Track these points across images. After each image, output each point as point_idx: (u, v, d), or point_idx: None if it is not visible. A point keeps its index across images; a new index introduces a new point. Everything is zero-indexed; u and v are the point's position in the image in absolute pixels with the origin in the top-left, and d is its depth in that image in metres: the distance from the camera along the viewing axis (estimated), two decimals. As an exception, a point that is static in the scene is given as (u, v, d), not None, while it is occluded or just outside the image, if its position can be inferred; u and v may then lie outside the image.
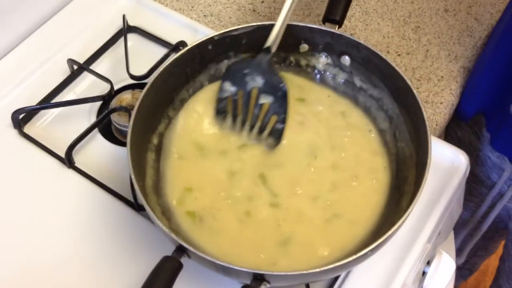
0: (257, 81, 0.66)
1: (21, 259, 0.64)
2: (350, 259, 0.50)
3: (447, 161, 0.70)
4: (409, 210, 0.52)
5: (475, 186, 0.91)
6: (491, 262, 1.57)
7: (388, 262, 0.64)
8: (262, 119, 0.65)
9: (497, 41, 0.77)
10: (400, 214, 0.56)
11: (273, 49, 0.65)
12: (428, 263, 0.70)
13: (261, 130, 0.65)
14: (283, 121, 0.65)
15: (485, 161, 0.85)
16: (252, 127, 0.65)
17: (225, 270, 0.51)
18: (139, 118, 0.60)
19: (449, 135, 0.93)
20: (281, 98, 0.65)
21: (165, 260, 0.51)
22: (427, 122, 0.58)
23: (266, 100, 0.66)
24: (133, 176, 0.55)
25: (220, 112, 0.66)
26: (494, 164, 0.84)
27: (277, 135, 0.65)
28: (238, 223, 0.60)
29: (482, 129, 0.83)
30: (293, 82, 0.69)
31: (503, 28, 0.76)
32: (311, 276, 0.50)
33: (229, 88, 0.66)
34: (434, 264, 0.69)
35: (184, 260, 0.52)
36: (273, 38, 0.64)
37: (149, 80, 0.62)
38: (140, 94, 0.61)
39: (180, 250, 0.52)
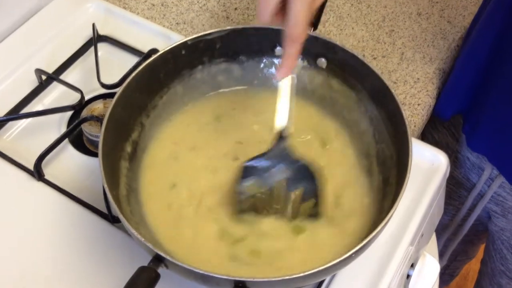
0: (283, 171, 0.58)
1: (-11, 276, 0.61)
2: (335, 262, 0.48)
3: (426, 162, 0.70)
4: (392, 210, 0.51)
5: (454, 189, 0.91)
6: (472, 267, 1.58)
7: (372, 266, 0.62)
8: (297, 206, 0.59)
9: (471, 44, 0.77)
10: (382, 215, 0.55)
11: (290, 131, 0.58)
12: (412, 265, 0.69)
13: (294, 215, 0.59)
14: (316, 198, 0.58)
15: (464, 163, 0.85)
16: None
17: (205, 279, 0.49)
18: (111, 125, 0.58)
19: (426, 138, 0.93)
20: (311, 180, 0.58)
21: (141, 270, 0.48)
22: (406, 121, 0.57)
23: (296, 186, 0.59)
24: (106, 186, 0.53)
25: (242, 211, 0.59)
26: (473, 165, 0.84)
27: (315, 213, 0.59)
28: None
29: (459, 130, 0.83)
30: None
31: (476, 30, 0.76)
32: (295, 281, 0.48)
33: (253, 186, 0.59)
34: (418, 267, 0.67)
35: (161, 270, 0.50)
36: (286, 120, 0.57)
37: (121, 87, 0.60)
38: (112, 100, 0.59)
39: (157, 260, 0.49)
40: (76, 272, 0.61)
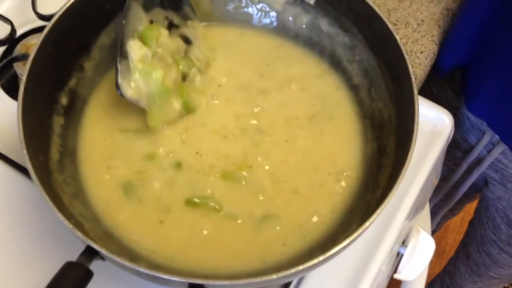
0: None
1: None
2: (316, 261, 0.38)
3: (429, 124, 0.59)
4: (388, 197, 0.41)
5: (449, 149, 0.81)
6: (453, 219, 1.53)
7: (363, 244, 0.53)
8: None
9: None
10: (377, 193, 0.45)
11: None
12: (404, 242, 0.59)
13: None
14: None
15: (463, 122, 0.75)
16: None
17: (151, 278, 0.38)
18: (38, 68, 0.46)
19: (422, 91, 0.82)
20: None
21: (68, 267, 0.37)
22: (412, 77, 0.47)
23: None
24: (25, 152, 0.41)
25: None
26: (473, 126, 0.74)
27: None
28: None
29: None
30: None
31: None
32: (264, 283, 0.38)
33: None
34: (412, 245, 0.58)
35: (97, 263, 0.39)
36: None
37: (54, 17, 0.48)
38: (40, 37, 0.46)
39: (90, 252, 0.38)
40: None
